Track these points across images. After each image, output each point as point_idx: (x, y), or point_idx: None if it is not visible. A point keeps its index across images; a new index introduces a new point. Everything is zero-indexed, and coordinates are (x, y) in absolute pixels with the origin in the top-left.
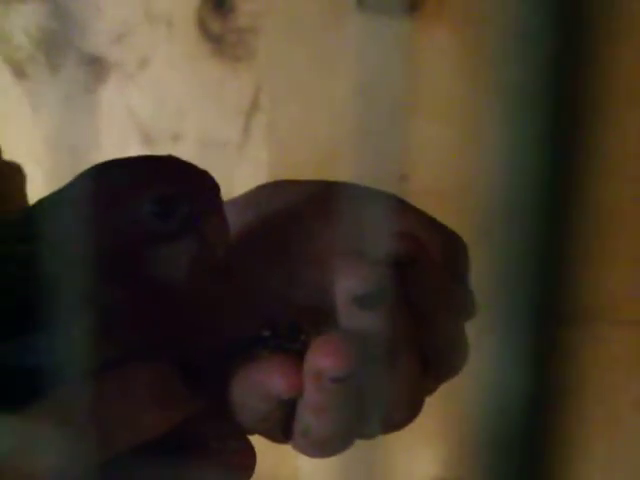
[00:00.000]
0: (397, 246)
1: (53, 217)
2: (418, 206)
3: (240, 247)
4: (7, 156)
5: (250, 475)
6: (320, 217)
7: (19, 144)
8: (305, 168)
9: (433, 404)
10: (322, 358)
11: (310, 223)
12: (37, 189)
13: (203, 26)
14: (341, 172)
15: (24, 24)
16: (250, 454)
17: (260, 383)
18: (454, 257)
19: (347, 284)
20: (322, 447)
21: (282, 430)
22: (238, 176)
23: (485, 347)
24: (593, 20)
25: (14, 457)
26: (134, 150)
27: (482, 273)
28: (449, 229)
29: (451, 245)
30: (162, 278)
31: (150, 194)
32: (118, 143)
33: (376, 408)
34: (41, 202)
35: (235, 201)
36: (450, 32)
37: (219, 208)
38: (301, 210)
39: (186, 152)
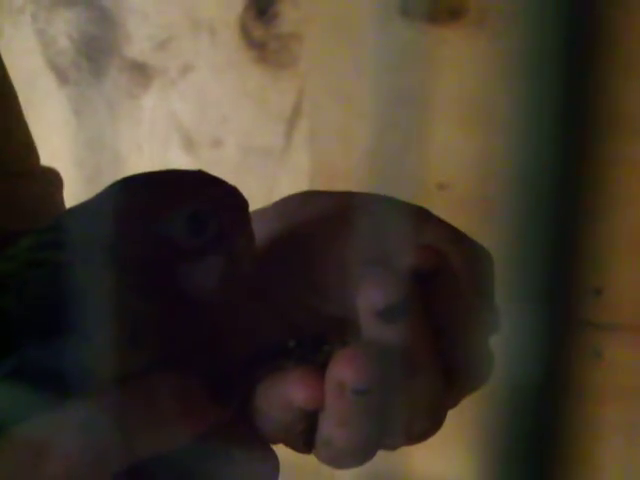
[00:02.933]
0: (419, 258)
1: (83, 227)
2: (456, 215)
3: (267, 257)
4: (49, 161)
5: None
6: (346, 228)
7: (62, 149)
8: (346, 174)
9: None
10: (344, 370)
11: (337, 234)
12: (78, 193)
13: (246, 33)
14: (380, 179)
15: (68, 29)
16: (274, 464)
17: (283, 394)
18: (479, 270)
19: (370, 297)
20: (344, 458)
21: (305, 441)
22: (279, 182)
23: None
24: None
25: (32, 429)
26: (176, 156)
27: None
28: (475, 242)
29: (476, 258)
30: (190, 292)
31: (183, 211)
32: (160, 149)
33: (398, 420)
34: (71, 211)
35: (264, 211)
36: (491, 41)
37: (247, 224)
38: (328, 221)
39: (227, 158)
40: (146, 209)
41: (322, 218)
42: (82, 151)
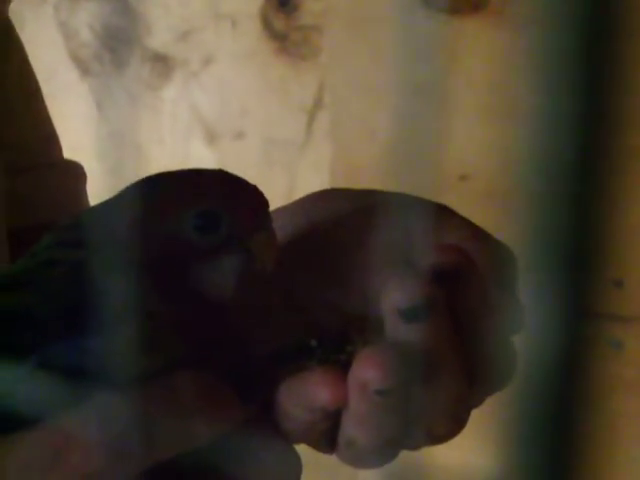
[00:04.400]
0: (442, 258)
1: (102, 226)
2: (478, 206)
3: (289, 255)
4: (70, 152)
5: None
6: (368, 226)
7: (83, 141)
8: (367, 166)
9: None
10: (367, 370)
11: (359, 232)
12: (101, 186)
13: (267, 24)
14: (402, 171)
15: (90, 21)
16: (296, 464)
17: (305, 394)
18: (502, 269)
19: (392, 297)
20: (366, 459)
21: (327, 440)
22: (300, 173)
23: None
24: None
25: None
26: (197, 148)
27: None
28: (498, 240)
29: (499, 257)
30: (208, 292)
31: (194, 208)
32: (182, 140)
33: (421, 421)
34: (91, 210)
35: (286, 209)
36: (512, 32)
37: (267, 223)
38: (350, 219)
39: (249, 150)
40: (162, 208)
41: (345, 216)
42: (104, 143)
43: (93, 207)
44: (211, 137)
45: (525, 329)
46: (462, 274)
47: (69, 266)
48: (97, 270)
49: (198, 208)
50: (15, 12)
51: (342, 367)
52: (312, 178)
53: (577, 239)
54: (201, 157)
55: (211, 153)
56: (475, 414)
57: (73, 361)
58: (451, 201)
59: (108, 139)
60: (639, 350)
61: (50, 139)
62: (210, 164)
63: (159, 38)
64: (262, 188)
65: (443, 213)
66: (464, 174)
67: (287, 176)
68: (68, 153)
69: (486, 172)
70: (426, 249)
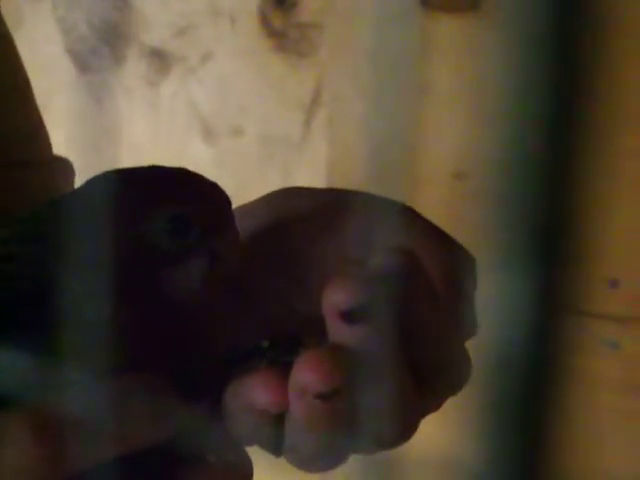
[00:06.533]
0: (388, 260)
1: (61, 220)
2: (473, 205)
3: (250, 254)
4: (66, 148)
5: None
6: (328, 226)
7: (80, 136)
8: (364, 164)
9: None
10: (305, 374)
11: (317, 231)
12: None
13: (266, 21)
14: (398, 169)
15: (88, 16)
16: (247, 466)
17: (248, 396)
18: (458, 273)
19: (332, 298)
20: (311, 463)
21: (274, 444)
22: (298, 170)
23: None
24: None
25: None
26: (195, 144)
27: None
28: (458, 244)
29: (456, 261)
30: (173, 295)
31: (163, 213)
32: (179, 137)
33: (367, 426)
34: (52, 203)
35: (247, 207)
36: (508, 30)
37: (231, 222)
38: (310, 218)
39: (246, 147)
40: (127, 209)
41: (305, 215)
42: (100, 139)
43: (53, 200)
44: (208, 134)
45: (498, 323)
46: (410, 277)
47: (25, 261)
48: (52, 266)
49: (169, 212)
50: (13, 7)
51: (290, 370)
52: (309, 175)
53: (553, 236)
54: (198, 153)
55: (208, 149)
56: (454, 408)
57: (35, 352)
58: (446, 200)
59: (104, 134)
60: (635, 350)
61: (37, 135)
62: (207, 160)
63: (157, 34)
64: (259, 185)
65: (405, 215)
66: (459, 172)
67: (284, 173)
68: (64, 148)
69: (481, 171)
70: (378, 250)
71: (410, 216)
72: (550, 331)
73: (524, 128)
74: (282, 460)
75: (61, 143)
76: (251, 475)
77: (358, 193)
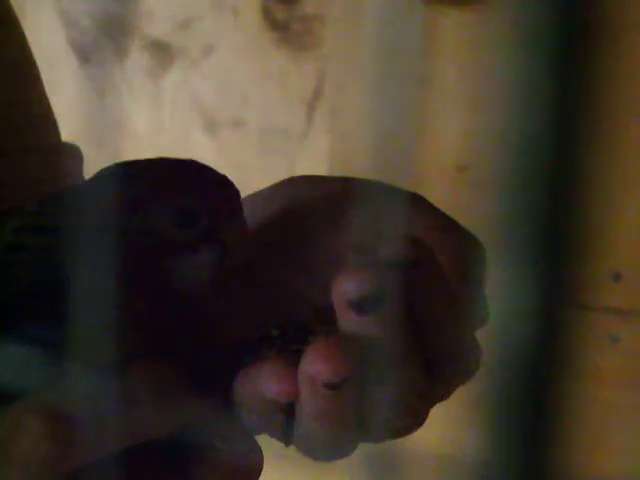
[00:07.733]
0: (399, 249)
1: (69, 213)
2: (477, 197)
3: (259, 242)
4: (71, 141)
5: (257, 477)
6: (337, 215)
7: (82, 129)
8: (365, 156)
9: None
10: (314, 364)
11: (327, 220)
12: None
13: (268, 14)
14: (401, 161)
15: (90, 9)
16: (257, 455)
17: (257, 385)
18: (468, 261)
19: (342, 288)
20: (322, 451)
21: (285, 432)
22: (300, 163)
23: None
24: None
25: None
26: (197, 136)
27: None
28: (467, 232)
29: (466, 248)
30: (182, 286)
31: (171, 204)
32: (181, 129)
33: (377, 414)
34: (61, 194)
35: (257, 195)
36: (510, 23)
37: (239, 214)
38: (318, 207)
39: (249, 139)
40: (135, 201)
41: (315, 204)
42: (103, 131)
43: (60, 191)
44: (211, 126)
45: (503, 315)
46: (420, 266)
47: (32, 252)
48: (62, 258)
49: (177, 203)
50: (16, 0)
51: (300, 358)
52: (311, 167)
53: (556, 229)
54: (200, 146)
55: (210, 142)
56: (456, 403)
57: (46, 342)
58: (449, 192)
59: (107, 127)
60: (636, 343)
61: (48, 122)
62: (209, 153)
63: (160, 26)
64: (261, 177)
65: (415, 203)
66: (462, 165)
67: (286, 165)
68: (67, 140)
69: (484, 163)
70: (387, 239)
71: (420, 204)
72: (552, 324)
73: (527, 121)
74: (287, 451)
75: (64, 135)
76: (261, 464)
77: (367, 182)
